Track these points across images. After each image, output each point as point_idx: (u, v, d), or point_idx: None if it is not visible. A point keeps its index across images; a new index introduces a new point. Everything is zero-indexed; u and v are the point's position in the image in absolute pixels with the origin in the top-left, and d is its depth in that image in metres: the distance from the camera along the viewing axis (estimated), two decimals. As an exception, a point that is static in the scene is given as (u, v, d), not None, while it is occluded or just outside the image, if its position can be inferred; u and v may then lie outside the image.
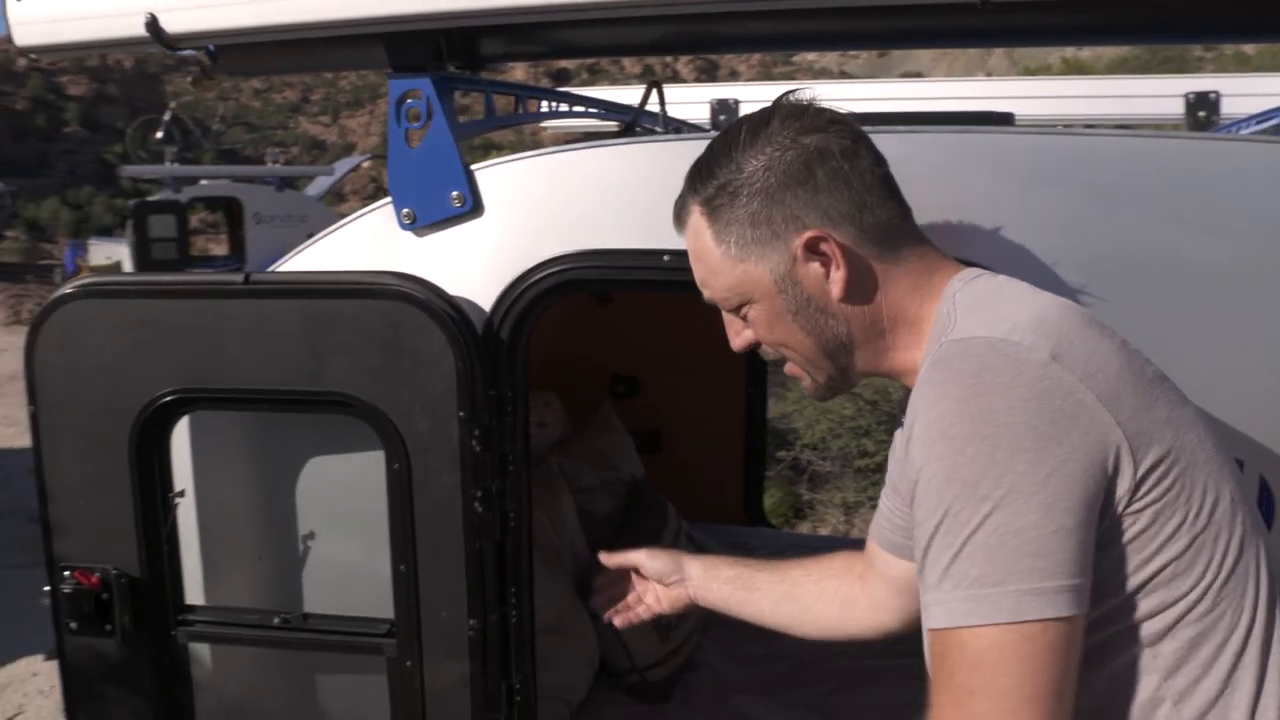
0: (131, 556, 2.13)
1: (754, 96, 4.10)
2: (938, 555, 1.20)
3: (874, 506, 6.89)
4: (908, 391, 1.50)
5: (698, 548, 3.84)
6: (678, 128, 2.79)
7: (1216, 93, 3.72)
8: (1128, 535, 1.24)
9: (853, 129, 1.46)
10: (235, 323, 2.03)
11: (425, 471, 2.00)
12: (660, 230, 1.91)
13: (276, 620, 2.17)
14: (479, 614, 2.04)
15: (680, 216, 1.56)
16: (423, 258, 2.05)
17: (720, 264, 1.50)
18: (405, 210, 2.04)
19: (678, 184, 1.90)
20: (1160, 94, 4.03)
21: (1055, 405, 1.20)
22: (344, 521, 2.25)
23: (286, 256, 2.17)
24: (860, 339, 1.48)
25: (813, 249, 1.43)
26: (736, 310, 1.54)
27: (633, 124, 2.36)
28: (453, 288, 1.98)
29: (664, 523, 3.70)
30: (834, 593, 2.00)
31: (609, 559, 2.10)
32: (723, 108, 3.95)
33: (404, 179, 2.03)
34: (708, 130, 3.33)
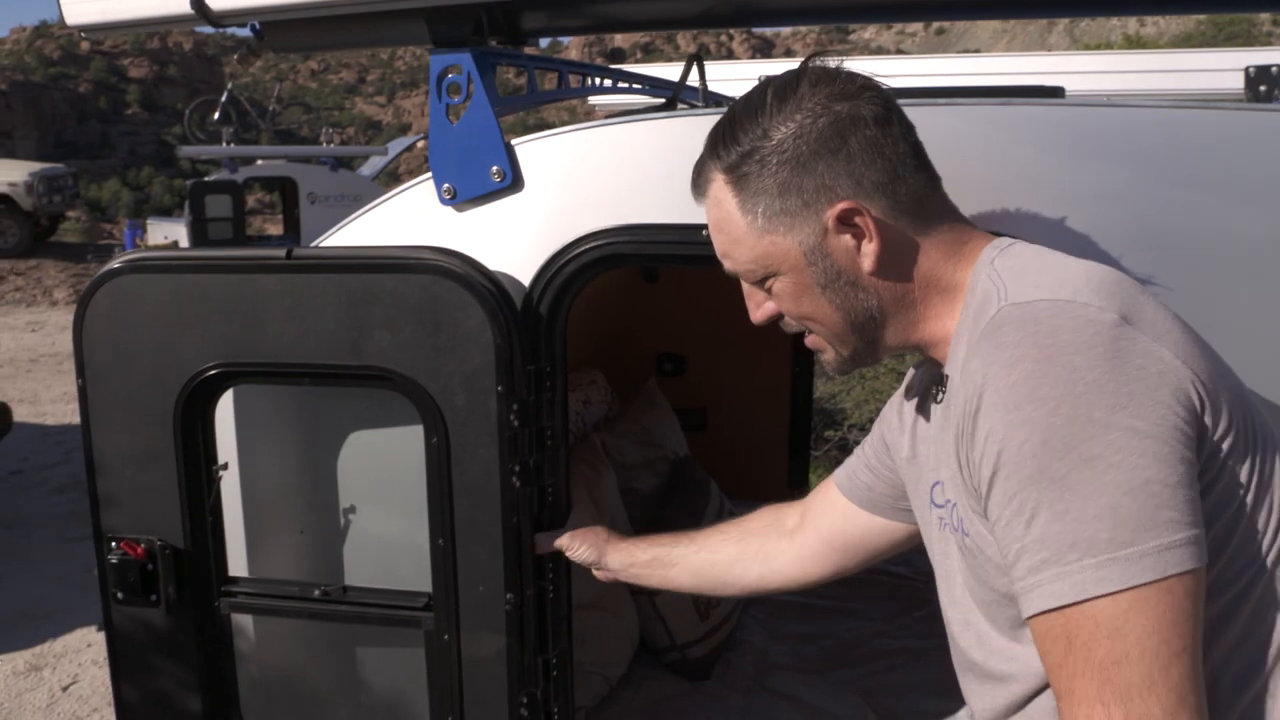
0: (176, 528, 2.16)
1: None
2: (1048, 526, 1.14)
3: (923, 487, 6.72)
4: (932, 362, 1.52)
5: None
6: (718, 102, 2.77)
7: (1278, 65, 3.63)
8: (1210, 493, 1.20)
9: (884, 95, 1.42)
10: (277, 297, 2.04)
11: (463, 446, 2.01)
12: (697, 205, 1.90)
13: (316, 592, 2.20)
14: (516, 588, 2.05)
15: (699, 185, 1.52)
16: (463, 233, 2.05)
17: (745, 235, 1.46)
18: (446, 185, 2.04)
19: (717, 159, 1.90)
20: (1220, 68, 3.95)
21: (1137, 363, 1.16)
22: (383, 495, 2.27)
23: (329, 232, 2.18)
24: (890, 311, 1.44)
25: (845, 220, 1.39)
26: (761, 283, 1.50)
27: (674, 99, 2.34)
28: (492, 263, 1.99)
29: (706, 500, 3.70)
30: (755, 552, 2.04)
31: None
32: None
33: (444, 154, 2.03)
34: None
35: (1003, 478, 1.18)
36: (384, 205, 2.13)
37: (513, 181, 2.00)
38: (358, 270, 2.01)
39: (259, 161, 17.51)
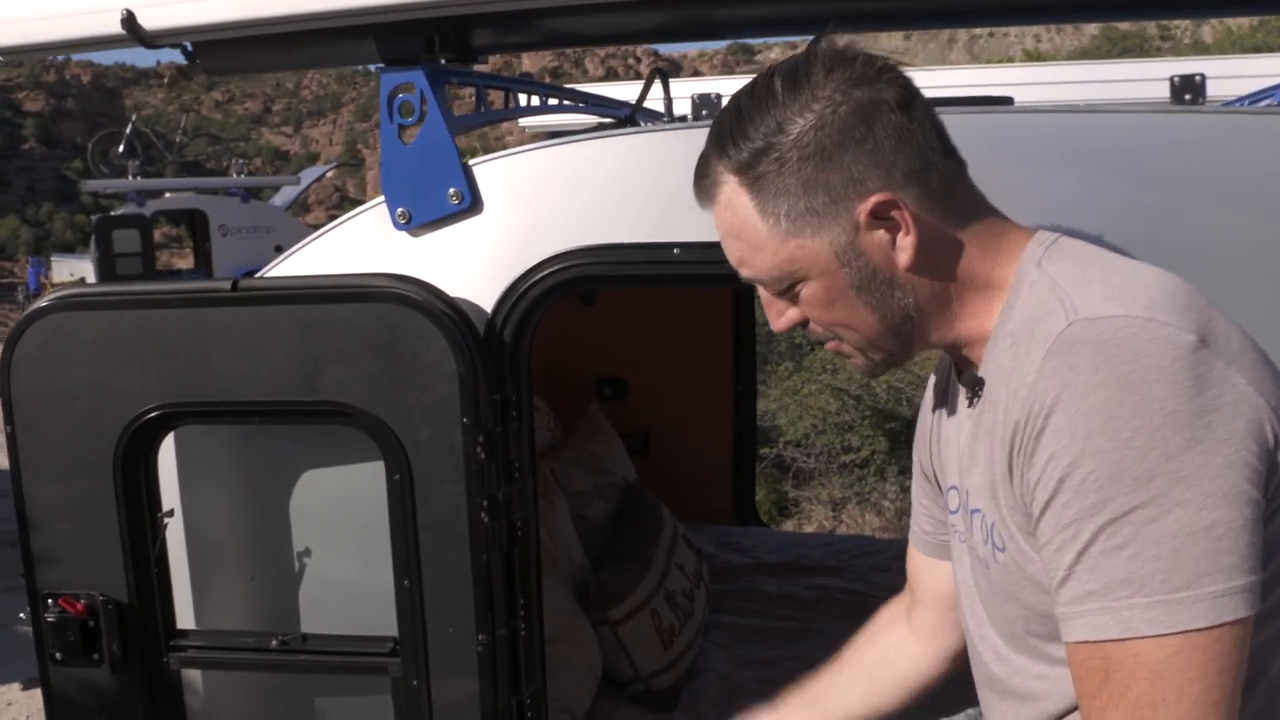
0: (119, 581, 2.03)
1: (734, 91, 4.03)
2: (1101, 560, 1.10)
3: (860, 502, 6.88)
4: (965, 361, 1.41)
5: (696, 550, 3.77)
6: (681, 118, 2.72)
7: (1202, 75, 3.70)
8: (1270, 523, 1.15)
9: (903, 77, 1.30)
10: (223, 331, 1.94)
11: (428, 481, 1.92)
12: (669, 222, 1.84)
13: (274, 642, 2.08)
14: (487, 628, 1.96)
15: (705, 188, 1.37)
16: (420, 258, 1.96)
17: (767, 240, 1.31)
18: (400, 210, 1.95)
19: (685, 175, 1.83)
20: (1145, 77, 4.00)
21: (1214, 392, 1.10)
22: (343, 536, 2.16)
23: (274, 262, 2.08)
24: (927, 310, 1.34)
25: (879, 214, 1.27)
26: (787, 290, 1.36)
27: (633, 115, 2.28)
28: (452, 289, 1.90)
29: (660, 526, 3.63)
30: (890, 652, 1.83)
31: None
32: (704, 103, 3.88)
33: (398, 177, 1.95)
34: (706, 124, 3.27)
35: (1061, 504, 1.13)
36: (334, 231, 2.04)
37: (471, 203, 1.92)
38: (310, 300, 1.91)
39: (167, 194, 17.16)
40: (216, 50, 2.10)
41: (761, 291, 1.40)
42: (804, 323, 1.39)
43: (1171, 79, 3.72)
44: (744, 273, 1.39)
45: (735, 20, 2.05)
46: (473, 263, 1.93)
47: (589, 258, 1.87)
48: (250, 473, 2.17)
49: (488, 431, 1.90)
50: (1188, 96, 3.69)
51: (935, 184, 1.28)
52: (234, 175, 18.03)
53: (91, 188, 16.46)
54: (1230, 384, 1.12)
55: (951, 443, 1.48)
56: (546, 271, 1.89)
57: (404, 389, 1.89)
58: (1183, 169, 1.68)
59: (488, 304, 1.93)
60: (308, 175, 19.52)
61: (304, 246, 2.07)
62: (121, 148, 16.80)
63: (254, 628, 2.18)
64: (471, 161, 1.93)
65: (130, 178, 16.43)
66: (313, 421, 2.01)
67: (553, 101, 2.55)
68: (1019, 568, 1.28)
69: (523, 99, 2.42)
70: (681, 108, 3.79)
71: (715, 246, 1.81)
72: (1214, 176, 1.67)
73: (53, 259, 19.84)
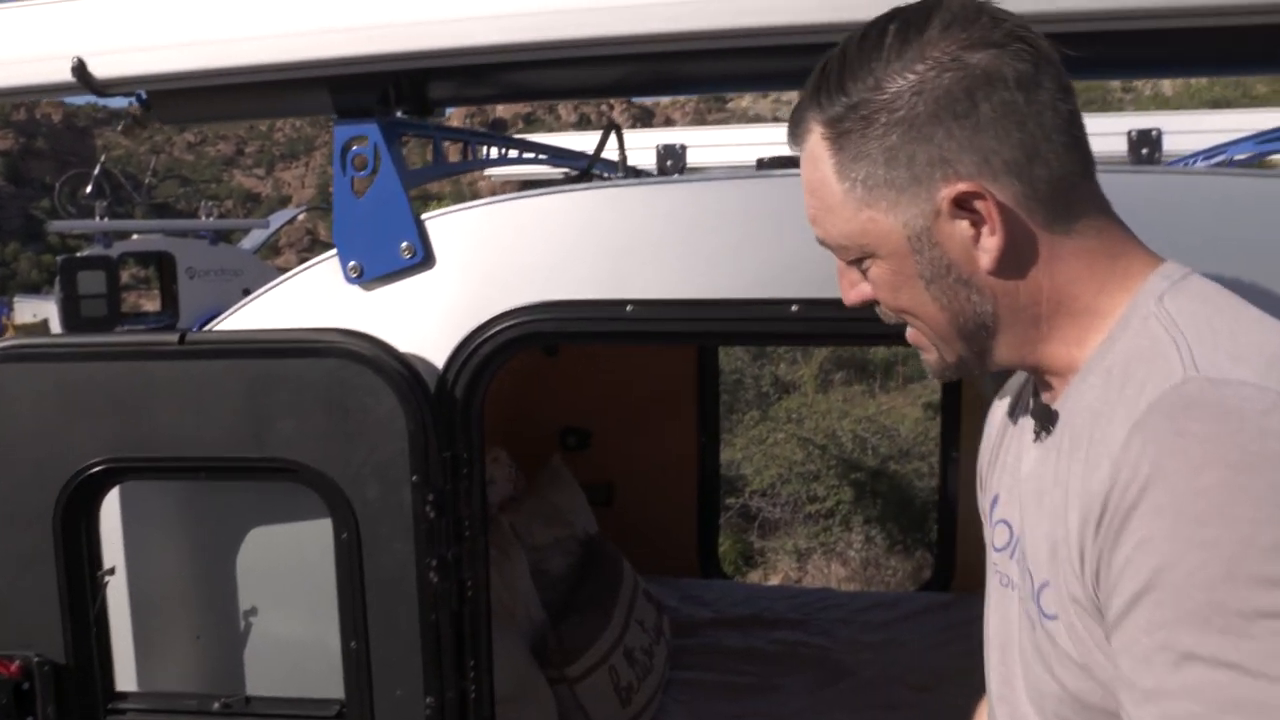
0: (56, 641, 1.97)
1: (702, 141, 4.05)
2: (1207, 677, 0.92)
3: (825, 552, 6.84)
4: (1044, 385, 1.25)
5: (656, 605, 3.73)
6: (637, 173, 2.71)
7: (1159, 130, 3.73)
8: None
9: (1038, 48, 1.11)
10: (170, 386, 1.90)
11: (376, 540, 1.88)
12: (623, 279, 1.82)
13: (216, 705, 2.03)
14: (436, 690, 1.92)
15: (796, 133, 1.22)
16: (371, 313, 1.93)
17: (840, 205, 1.18)
18: (352, 263, 1.92)
19: (641, 230, 1.83)
20: (1103, 132, 4.03)
21: None
22: (290, 595, 2.11)
23: (224, 314, 2.04)
24: (1007, 321, 1.17)
25: (963, 204, 1.11)
26: (856, 262, 1.22)
27: (589, 169, 2.27)
28: (403, 344, 1.87)
29: (620, 579, 3.59)
30: None
31: None
32: (669, 153, 3.88)
33: (350, 230, 1.92)
34: (665, 177, 3.26)
35: (1154, 602, 0.95)
36: (285, 284, 2.00)
37: (424, 258, 1.90)
38: (258, 355, 1.88)
39: (134, 236, 17.04)
40: (170, 99, 2.07)
41: (836, 259, 1.27)
42: (875, 301, 1.25)
43: (1129, 134, 3.75)
44: (815, 232, 1.25)
45: (697, 76, 2.05)
46: (425, 318, 1.91)
47: (542, 314, 1.85)
48: (196, 529, 2.12)
49: (438, 490, 1.86)
50: (1144, 151, 3.72)
51: (1042, 181, 1.11)
52: (203, 217, 17.94)
53: (58, 228, 16.30)
54: None
55: (1010, 470, 1.33)
56: (499, 328, 1.87)
57: (353, 446, 1.85)
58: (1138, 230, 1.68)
59: (439, 360, 1.90)
60: (277, 219, 19.44)
61: (255, 299, 2.04)
62: (90, 188, 16.70)
63: (198, 688, 2.12)
64: (425, 216, 1.90)
65: (98, 218, 16.32)
66: (260, 479, 1.97)
67: (512, 153, 2.53)
68: (1069, 643, 1.12)
69: (485, 151, 2.41)
70: (650, 157, 3.79)
71: (669, 304, 1.82)
72: (1169, 238, 1.67)
73: (16, 299, 19.61)
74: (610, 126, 2.22)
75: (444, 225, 1.90)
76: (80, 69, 1.90)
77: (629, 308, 1.81)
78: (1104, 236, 1.16)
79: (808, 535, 7.88)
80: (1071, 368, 1.17)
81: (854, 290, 1.25)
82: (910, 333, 1.26)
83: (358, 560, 1.89)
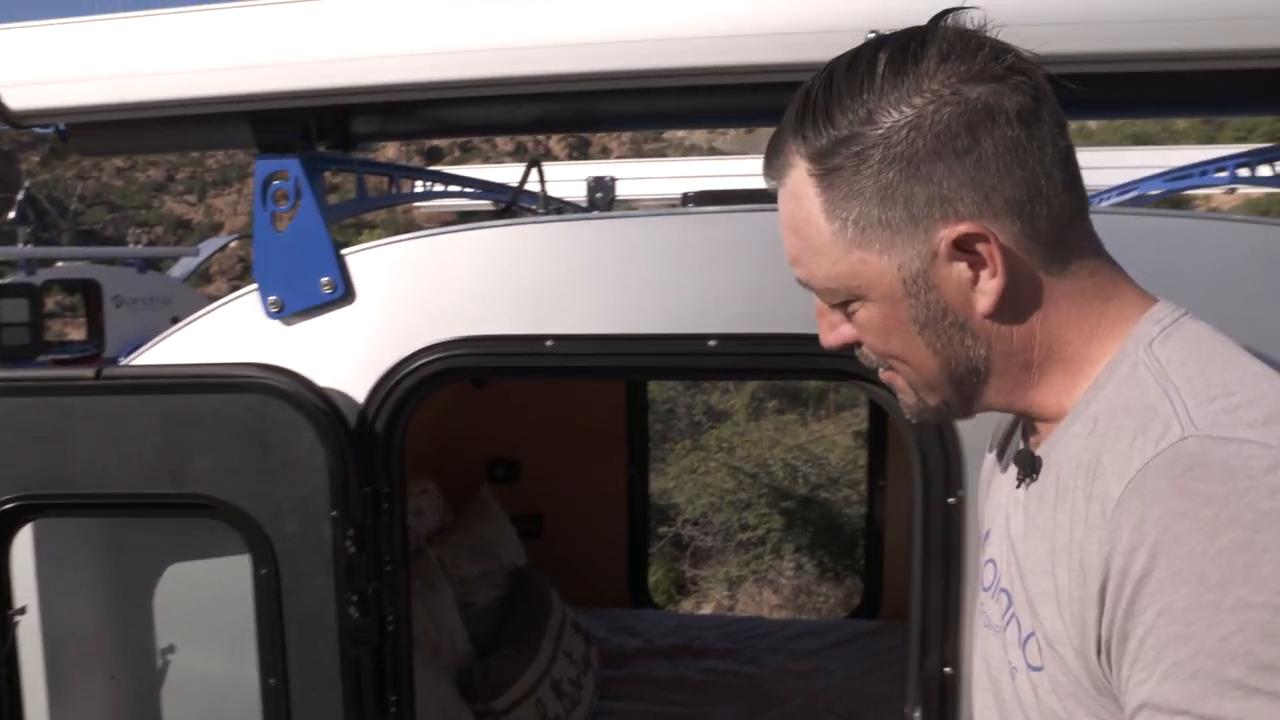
0: (-34, 682, 1.94)
1: (632, 173, 4.08)
2: None
3: (757, 580, 6.85)
4: (1030, 429, 1.21)
5: (585, 635, 3.73)
6: (559, 207, 2.73)
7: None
8: None
9: (1037, 82, 1.06)
10: (85, 421, 1.88)
11: (296, 576, 1.87)
12: (542, 314, 1.83)
13: (132, 744, 2.00)
14: (356, 727, 1.90)
15: (775, 166, 1.15)
16: (291, 348, 1.93)
17: (828, 246, 1.10)
18: (272, 298, 1.92)
19: (560, 266, 1.84)
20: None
21: None
22: (207, 633, 2.09)
23: (143, 348, 2.02)
24: (999, 367, 1.12)
25: (963, 246, 1.05)
26: (841, 306, 1.15)
27: (512, 203, 2.28)
28: (323, 379, 1.87)
29: (549, 612, 3.58)
30: None
31: None
32: (599, 185, 3.91)
33: (271, 264, 1.92)
34: (589, 210, 3.28)
35: (1189, 674, 0.88)
36: (205, 318, 1.99)
37: (345, 293, 1.90)
38: (176, 390, 1.87)
39: (59, 263, 16.72)
40: (89, 132, 2.06)
41: (815, 301, 1.20)
42: (857, 344, 1.19)
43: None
44: (796, 273, 1.17)
45: (616, 114, 2.07)
46: (345, 353, 1.91)
47: (462, 349, 1.86)
48: (112, 567, 2.10)
49: (358, 524, 1.86)
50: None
51: (1042, 220, 1.06)
52: (131, 244, 17.66)
53: (-22, 255, 15.97)
54: None
55: (1001, 510, 1.27)
56: (420, 363, 1.87)
57: (272, 481, 1.85)
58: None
59: (360, 395, 1.90)
60: (208, 246, 19.16)
61: (174, 333, 2.02)
62: (13, 214, 16.38)
63: (114, 728, 2.09)
64: (346, 251, 1.91)
65: (20, 244, 16.01)
66: (177, 515, 1.96)
67: (439, 187, 2.54)
68: (1052, 697, 1.08)
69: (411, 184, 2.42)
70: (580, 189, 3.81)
71: (588, 339, 1.83)
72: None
73: (-64, 328, 19.15)
74: (532, 163, 2.23)
75: (365, 260, 1.91)
76: (-6, 100, 1.89)
77: (549, 343, 1.82)
78: (1097, 277, 1.11)
79: (739, 563, 7.90)
80: (1059, 414, 1.12)
81: (834, 333, 1.18)
82: (887, 374, 1.20)
83: (277, 596, 1.87)
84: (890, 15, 1.21)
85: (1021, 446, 1.22)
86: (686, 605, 7.88)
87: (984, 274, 1.06)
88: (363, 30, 1.78)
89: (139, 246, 17.66)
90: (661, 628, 4.40)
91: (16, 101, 1.90)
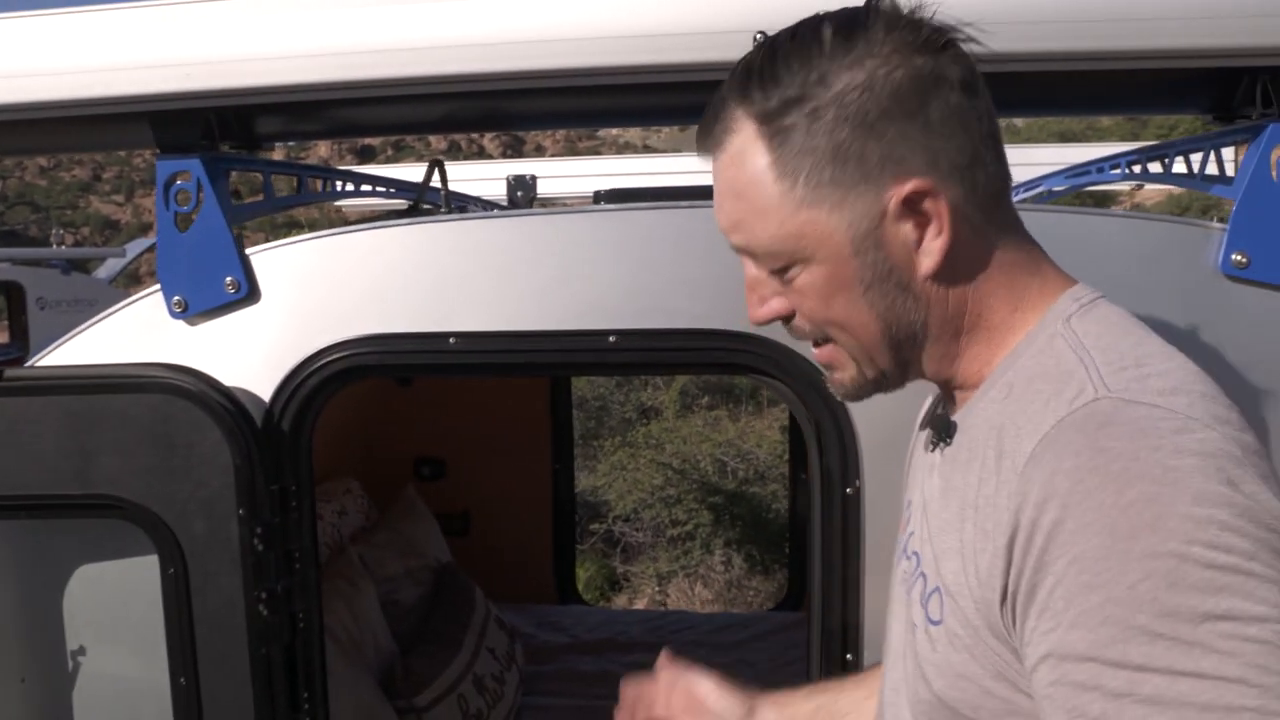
0: None
1: (554, 171, 4.10)
2: (1170, 689, 0.87)
3: (688, 575, 6.89)
4: (951, 400, 1.24)
5: (509, 632, 3.75)
6: (461, 206, 2.75)
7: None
8: None
9: (971, 58, 1.11)
10: (-12, 423, 1.87)
11: (204, 575, 1.87)
12: (445, 312, 1.86)
13: (42, 747, 1.99)
14: (268, 724, 1.91)
15: (713, 134, 1.16)
16: (196, 348, 1.93)
17: (776, 206, 1.11)
18: (176, 298, 1.92)
19: (462, 264, 1.87)
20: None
21: (1267, 509, 0.93)
22: (119, 633, 2.08)
23: (46, 350, 2.02)
24: (935, 332, 1.15)
25: (912, 204, 1.08)
26: (782, 271, 1.15)
27: (418, 203, 2.30)
28: (229, 378, 1.88)
29: (472, 608, 3.60)
30: None
31: (668, 663, 1.66)
32: (520, 184, 3.93)
33: (174, 265, 1.92)
34: (492, 208, 3.31)
35: (1098, 620, 0.90)
36: (109, 319, 1.99)
37: (249, 293, 1.91)
38: (80, 391, 1.87)
39: (-21, 265, 16.39)
40: (-9, 131, 2.05)
41: (747, 271, 1.20)
42: (788, 316, 1.20)
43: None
44: (734, 239, 1.18)
45: (521, 114, 2.10)
46: (250, 352, 1.92)
47: (366, 347, 1.88)
48: (19, 569, 2.09)
49: (265, 522, 1.87)
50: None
51: (981, 189, 1.11)
52: (54, 245, 17.36)
53: (-105, 258, 15.61)
54: (1267, 497, 0.94)
55: (919, 473, 1.32)
56: (324, 361, 1.88)
57: (178, 481, 1.85)
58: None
59: (266, 394, 1.91)
60: (134, 247, 18.86)
61: (79, 334, 2.02)
62: (-69, 217, 16.03)
63: (25, 731, 2.08)
64: (249, 250, 1.92)
65: (-61, 248, 15.68)
66: (84, 516, 1.95)
67: (350, 187, 2.55)
68: (949, 650, 1.11)
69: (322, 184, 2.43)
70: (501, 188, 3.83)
71: (490, 336, 1.86)
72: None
73: None
74: (434, 163, 2.26)
75: (269, 260, 1.92)
76: (-109, 101, 1.87)
77: (451, 340, 1.85)
78: (1024, 252, 1.16)
79: (669, 559, 7.96)
80: (979, 383, 1.16)
81: (764, 307, 1.19)
82: (823, 351, 1.21)
83: (185, 595, 1.88)
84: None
85: (939, 413, 1.26)
86: (619, 601, 7.92)
87: (929, 233, 1.09)
88: (262, 30, 1.79)
89: (63, 247, 17.37)
90: (588, 623, 4.44)
91: (-91, 101, 1.89)
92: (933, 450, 1.23)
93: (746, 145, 1.12)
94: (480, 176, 4.01)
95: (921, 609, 1.16)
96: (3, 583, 2.08)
